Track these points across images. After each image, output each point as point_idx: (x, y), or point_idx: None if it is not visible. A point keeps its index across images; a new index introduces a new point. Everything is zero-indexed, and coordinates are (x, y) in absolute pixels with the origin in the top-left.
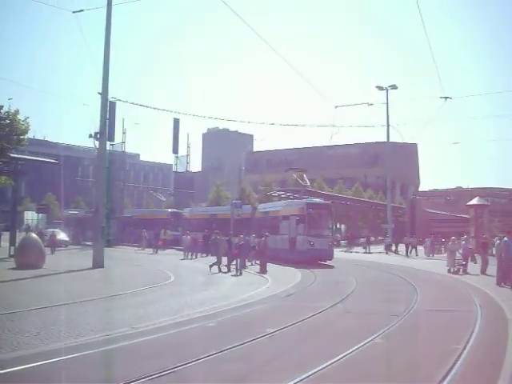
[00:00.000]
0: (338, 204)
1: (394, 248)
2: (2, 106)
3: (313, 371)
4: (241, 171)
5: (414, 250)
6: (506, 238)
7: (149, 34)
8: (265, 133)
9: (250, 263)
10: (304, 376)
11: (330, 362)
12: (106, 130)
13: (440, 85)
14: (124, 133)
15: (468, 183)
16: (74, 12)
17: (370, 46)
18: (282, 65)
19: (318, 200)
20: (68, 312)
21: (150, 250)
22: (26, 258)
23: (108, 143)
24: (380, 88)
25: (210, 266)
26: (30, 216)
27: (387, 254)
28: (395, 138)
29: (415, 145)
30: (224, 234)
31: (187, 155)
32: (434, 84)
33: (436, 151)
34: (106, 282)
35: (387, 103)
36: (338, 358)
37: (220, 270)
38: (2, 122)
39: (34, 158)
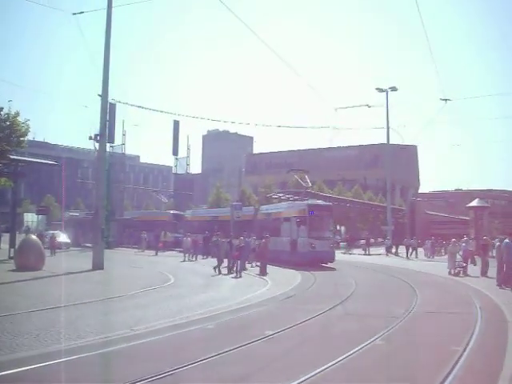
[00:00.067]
0: (338, 206)
1: (394, 250)
2: (2, 108)
3: (312, 373)
4: (241, 173)
5: (414, 252)
6: (507, 240)
7: (149, 36)
8: (265, 135)
9: (249, 265)
10: (304, 378)
11: (329, 365)
12: (106, 131)
13: (440, 87)
14: (124, 135)
15: (468, 185)
16: (74, 14)
17: (369, 48)
18: (283, 67)
19: (319, 201)
20: (67, 314)
21: (150, 252)
22: (26, 259)
23: (108, 145)
24: (380, 90)
25: (215, 268)
26: (30, 218)
27: (387, 255)
28: (395, 139)
29: (415, 147)
30: (224, 235)
31: (187, 157)
32: (434, 86)
33: (436, 153)
34: (105, 283)
35: (387, 105)
36: (337, 360)
37: (220, 272)
38: (2, 123)
39: (34, 160)
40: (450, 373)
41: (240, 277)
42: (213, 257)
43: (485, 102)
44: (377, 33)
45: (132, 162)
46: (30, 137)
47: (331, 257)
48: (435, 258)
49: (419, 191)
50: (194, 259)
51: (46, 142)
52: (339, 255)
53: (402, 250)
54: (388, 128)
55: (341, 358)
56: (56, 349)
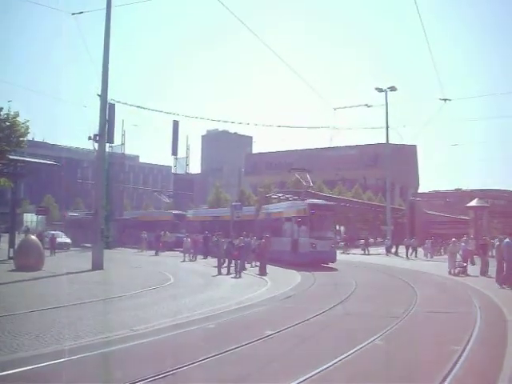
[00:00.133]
0: (338, 206)
1: (394, 250)
2: (2, 108)
3: (312, 373)
4: (240, 173)
5: (414, 252)
6: (507, 240)
7: (148, 35)
8: (264, 135)
9: (249, 265)
10: (304, 378)
11: (329, 364)
12: (106, 131)
13: (439, 86)
14: (123, 134)
15: (467, 185)
16: (73, 14)
17: (369, 47)
18: (281, 67)
19: (320, 201)
20: (67, 314)
21: (150, 252)
22: (26, 259)
23: (107, 145)
24: (379, 90)
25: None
26: (30, 218)
27: (387, 255)
28: (394, 139)
29: (414, 146)
30: (224, 235)
31: (186, 157)
32: (434, 86)
33: (435, 153)
34: (105, 283)
35: (386, 105)
36: (337, 359)
37: (220, 272)
38: (2, 124)
39: (34, 160)
40: (449, 372)
41: (240, 277)
42: (213, 257)
43: (485, 101)
44: (376, 33)
45: (131, 162)
46: (29, 137)
47: (332, 257)
48: (435, 257)
49: (419, 191)
50: (194, 259)
51: (46, 142)
52: (338, 255)
53: (401, 249)
54: (387, 128)
55: (340, 358)
56: (56, 349)
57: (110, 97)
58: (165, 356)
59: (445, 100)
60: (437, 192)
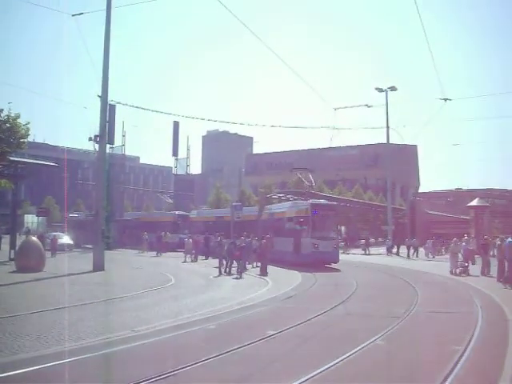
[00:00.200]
0: (338, 206)
1: (395, 250)
2: (2, 110)
3: (314, 373)
4: (241, 173)
5: (415, 252)
6: (510, 239)
7: (148, 36)
8: (264, 135)
9: (250, 265)
10: (306, 377)
11: (330, 364)
12: (106, 132)
13: (440, 86)
14: (124, 135)
15: (468, 184)
16: (73, 15)
17: (369, 47)
18: (282, 67)
19: (322, 201)
20: (68, 315)
21: (151, 253)
22: (26, 261)
23: (108, 146)
24: (380, 90)
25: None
26: (30, 219)
27: (388, 255)
28: (395, 139)
29: (415, 146)
30: (226, 236)
31: (187, 158)
32: (434, 86)
33: (436, 153)
34: (106, 284)
35: (387, 105)
36: (338, 359)
37: (221, 273)
38: (2, 125)
39: (34, 162)
40: (450, 372)
41: (241, 277)
42: (214, 257)
43: (484, 101)
44: (377, 34)
45: (132, 163)
46: (29, 138)
47: (335, 257)
48: (436, 257)
49: (419, 191)
50: (195, 260)
51: (46, 143)
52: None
53: (402, 249)
54: (388, 128)
55: (342, 358)
56: (57, 350)
57: (111, 98)
58: (166, 357)
59: (445, 100)
60: (437, 192)
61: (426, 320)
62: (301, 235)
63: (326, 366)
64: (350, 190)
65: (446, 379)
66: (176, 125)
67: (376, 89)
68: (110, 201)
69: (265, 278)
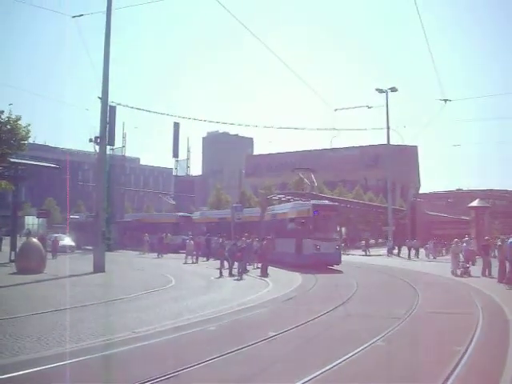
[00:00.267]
0: (339, 207)
1: (396, 251)
2: (3, 112)
3: (316, 373)
4: (241, 175)
5: (416, 253)
6: (511, 240)
7: (148, 38)
8: (265, 136)
9: (251, 267)
10: (307, 378)
11: (332, 365)
12: (106, 134)
13: (440, 87)
14: (124, 137)
15: (468, 185)
16: (73, 17)
17: (369, 48)
18: (282, 68)
19: (324, 202)
20: (69, 317)
21: (152, 255)
22: (27, 262)
23: (108, 147)
24: (380, 90)
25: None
26: (31, 221)
27: (389, 256)
28: (395, 140)
29: (415, 147)
30: (227, 237)
31: (187, 159)
32: (434, 87)
33: (436, 153)
34: (106, 286)
35: (387, 106)
36: (340, 360)
37: (222, 274)
38: (3, 127)
39: (35, 163)
40: (451, 373)
41: (241, 278)
42: (215, 259)
43: (484, 102)
44: (376, 33)
45: (132, 165)
46: (30, 140)
47: (337, 259)
48: (437, 258)
49: (420, 191)
50: (196, 261)
51: (47, 145)
52: None
53: (403, 250)
54: (388, 128)
55: (343, 359)
56: (58, 352)
57: (112, 99)
58: (167, 358)
59: (445, 100)
60: (438, 192)
61: (427, 321)
62: (302, 236)
63: (328, 367)
64: (351, 191)
65: (447, 380)
66: (176, 126)
67: (376, 90)
68: (110, 202)
69: (265, 279)
